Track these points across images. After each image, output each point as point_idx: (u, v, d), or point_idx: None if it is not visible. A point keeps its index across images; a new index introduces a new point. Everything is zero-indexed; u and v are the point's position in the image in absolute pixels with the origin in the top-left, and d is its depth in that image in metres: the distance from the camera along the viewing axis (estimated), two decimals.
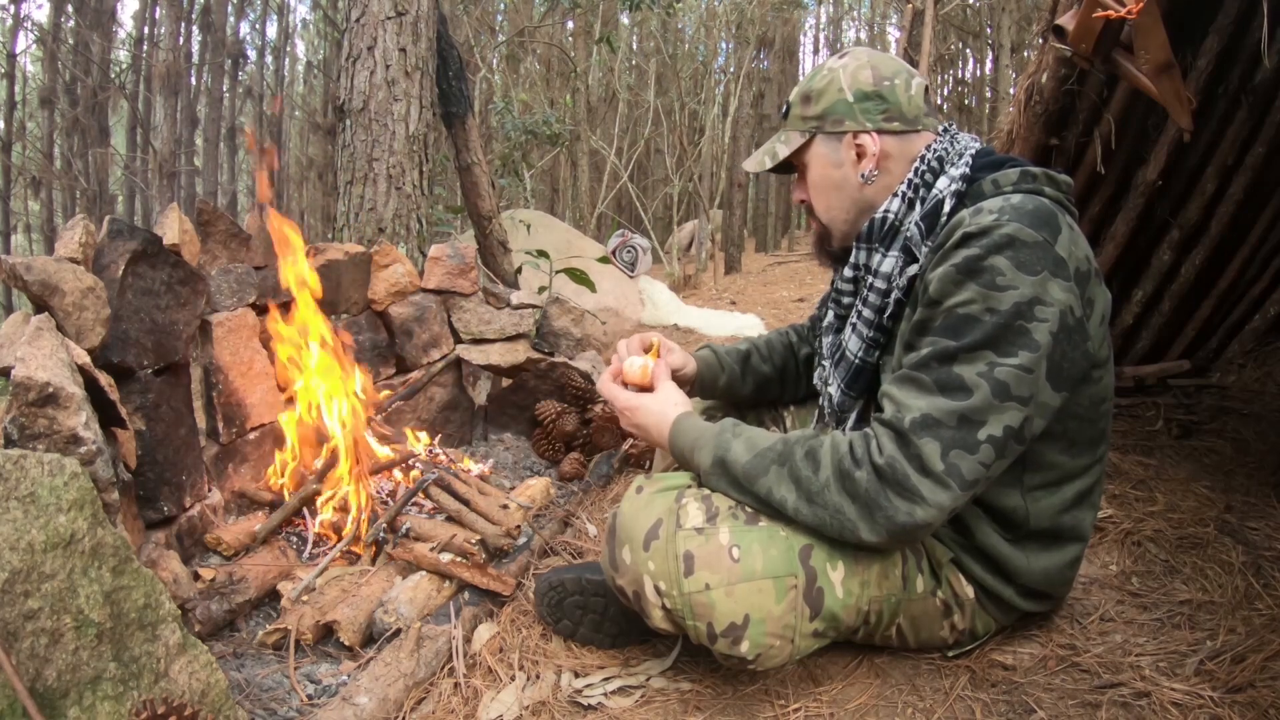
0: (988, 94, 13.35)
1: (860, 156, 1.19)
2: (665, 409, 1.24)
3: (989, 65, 13.55)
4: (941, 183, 1.14)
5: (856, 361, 1.25)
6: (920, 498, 0.98)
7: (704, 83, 11.86)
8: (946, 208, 1.12)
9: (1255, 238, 2.51)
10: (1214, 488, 1.86)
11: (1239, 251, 2.54)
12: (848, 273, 1.27)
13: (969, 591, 1.17)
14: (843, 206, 1.23)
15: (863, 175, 1.19)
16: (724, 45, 11.39)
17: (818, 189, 1.24)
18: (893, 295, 1.18)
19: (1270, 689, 1.07)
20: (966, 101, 14.92)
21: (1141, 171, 2.28)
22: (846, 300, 1.30)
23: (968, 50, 15.17)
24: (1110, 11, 1.61)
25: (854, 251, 1.25)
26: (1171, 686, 1.10)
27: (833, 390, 1.31)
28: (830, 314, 1.36)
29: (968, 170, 1.14)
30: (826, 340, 1.37)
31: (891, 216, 1.18)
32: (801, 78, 1.55)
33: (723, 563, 1.03)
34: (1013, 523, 1.14)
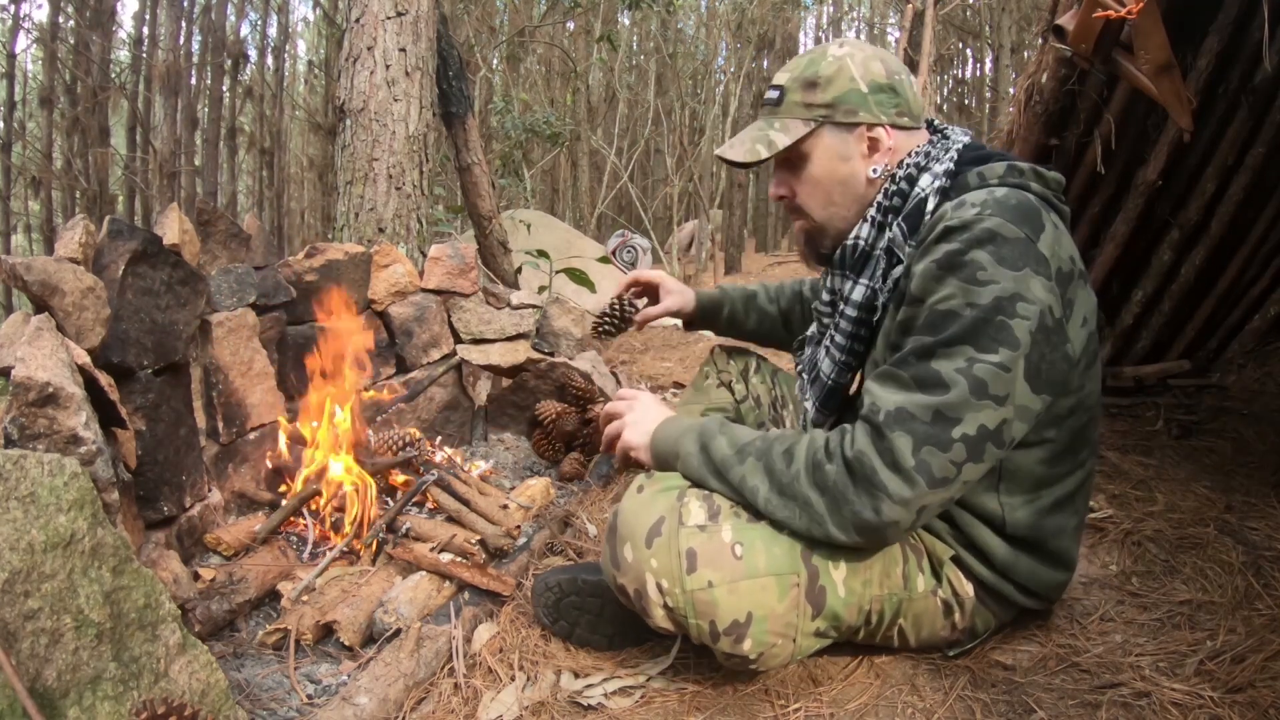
0: (988, 94, 13.34)
1: (873, 150, 1.14)
2: (650, 417, 1.23)
3: (989, 65, 13.54)
4: (924, 180, 1.11)
5: (829, 383, 1.27)
6: (886, 493, 0.96)
7: (704, 83, 11.86)
8: (930, 205, 1.10)
9: (1255, 238, 2.51)
10: (1214, 488, 1.86)
11: (1239, 251, 2.54)
12: (825, 296, 1.30)
13: (969, 589, 1.16)
14: (845, 203, 1.18)
15: (873, 170, 1.14)
16: (723, 45, 11.39)
17: (817, 183, 1.18)
18: (872, 314, 1.18)
19: (1270, 689, 1.07)
20: (966, 101, 14.91)
21: (1141, 171, 2.28)
22: (825, 320, 1.31)
23: (968, 50, 15.16)
24: (1110, 11, 1.61)
25: (829, 277, 1.27)
26: (1171, 686, 1.10)
27: (808, 405, 1.33)
28: (814, 325, 1.38)
29: (952, 165, 1.11)
30: (806, 352, 1.38)
31: (862, 243, 1.17)
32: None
33: (725, 560, 1.02)
34: (993, 524, 1.14)
